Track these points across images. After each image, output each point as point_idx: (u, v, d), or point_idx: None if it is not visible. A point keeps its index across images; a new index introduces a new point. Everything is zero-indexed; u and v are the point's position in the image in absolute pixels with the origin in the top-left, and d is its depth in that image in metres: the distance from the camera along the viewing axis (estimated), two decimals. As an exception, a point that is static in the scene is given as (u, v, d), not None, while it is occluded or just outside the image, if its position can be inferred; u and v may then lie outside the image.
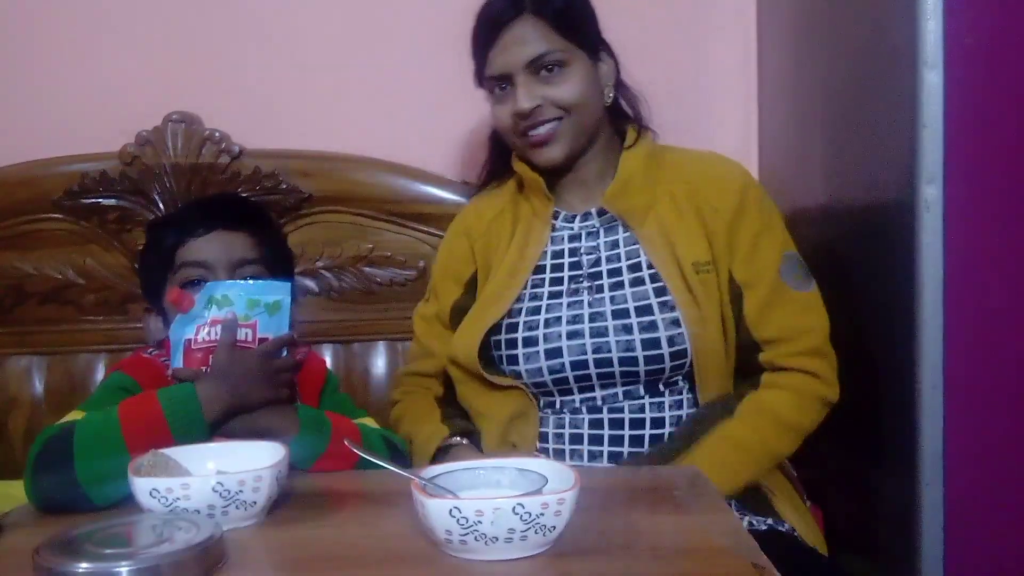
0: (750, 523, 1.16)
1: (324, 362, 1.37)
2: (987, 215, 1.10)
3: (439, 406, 1.34)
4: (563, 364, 1.22)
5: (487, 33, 1.27)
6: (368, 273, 1.66)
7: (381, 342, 1.68)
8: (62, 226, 1.65)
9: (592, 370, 1.21)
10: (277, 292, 1.15)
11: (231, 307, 1.12)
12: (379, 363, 1.67)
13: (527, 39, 1.24)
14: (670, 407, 1.22)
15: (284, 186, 1.64)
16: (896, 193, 1.15)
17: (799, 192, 1.55)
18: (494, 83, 1.29)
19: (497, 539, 0.75)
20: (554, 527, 0.77)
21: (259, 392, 1.09)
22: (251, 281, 1.16)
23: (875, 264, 1.24)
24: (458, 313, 1.35)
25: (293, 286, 1.19)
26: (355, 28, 1.72)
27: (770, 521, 1.16)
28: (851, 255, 1.34)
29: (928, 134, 1.09)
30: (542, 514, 0.75)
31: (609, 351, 1.20)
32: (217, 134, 1.63)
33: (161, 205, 1.63)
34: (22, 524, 0.94)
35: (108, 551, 0.75)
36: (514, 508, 0.75)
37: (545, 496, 0.77)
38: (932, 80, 1.08)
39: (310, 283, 1.66)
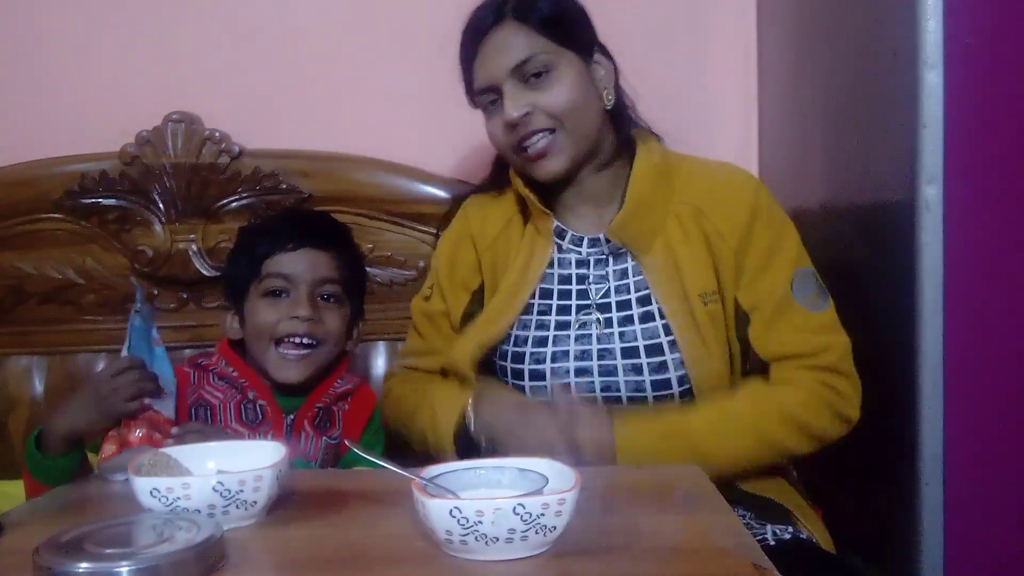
0: (773, 532, 1.15)
1: (375, 397, 1.40)
2: (987, 215, 1.10)
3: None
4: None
5: (471, 43, 1.23)
6: (368, 273, 1.66)
7: (381, 342, 1.67)
8: (62, 226, 1.65)
9: (600, 405, 1.19)
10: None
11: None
12: (379, 363, 1.67)
13: (509, 45, 1.19)
14: None
15: (284, 186, 1.64)
16: (896, 193, 1.15)
17: (799, 192, 1.55)
18: (483, 97, 1.23)
19: (498, 539, 0.75)
20: (555, 527, 0.77)
21: (89, 410, 1.10)
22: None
23: (875, 264, 1.24)
24: (468, 320, 1.31)
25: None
26: (355, 28, 1.72)
27: (791, 530, 1.17)
28: (851, 255, 1.34)
29: (928, 134, 1.09)
30: (543, 514, 0.75)
31: (619, 390, 1.18)
32: (217, 134, 1.63)
33: (161, 205, 1.63)
34: (22, 524, 0.94)
35: (108, 551, 0.75)
36: (515, 508, 0.75)
37: (546, 496, 0.77)
38: (932, 80, 1.08)
39: (310, 283, 1.66)
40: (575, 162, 1.22)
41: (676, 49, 1.75)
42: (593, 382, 1.19)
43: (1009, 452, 1.12)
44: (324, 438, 1.31)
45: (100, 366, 1.65)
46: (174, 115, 1.63)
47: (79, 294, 1.65)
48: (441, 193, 1.65)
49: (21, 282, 1.65)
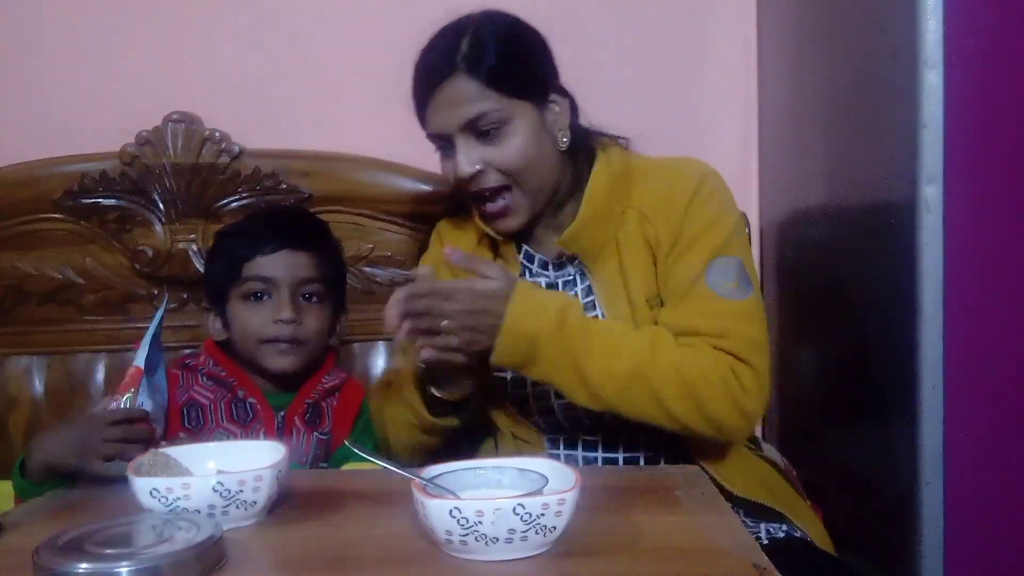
0: (767, 531, 1.15)
1: (362, 392, 1.39)
2: (987, 215, 1.10)
3: None
4: (557, 420, 1.22)
5: (422, 89, 1.21)
6: (368, 273, 1.66)
7: (381, 342, 1.67)
8: (62, 226, 1.64)
9: (584, 420, 1.20)
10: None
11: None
12: (379, 363, 1.67)
13: (461, 99, 1.16)
14: (665, 444, 1.20)
15: (284, 186, 1.64)
16: (896, 193, 1.15)
17: (799, 192, 1.55)
18: (436, 140, 1.23)
19: (498, 539, 0.75)
20: (554, 527, 0.77)
21: (69, 451, 1.07)
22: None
23: (875, 264, 1.24)
24: None
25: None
26: (355, 28, 1.72)
27: (785, 528, 1.17)
28: (851, 255, 1.34)
29: (928, 134, 1.09)
30: (543, 514, 0.76)
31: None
32: (217, 134, 1.63)
33: (161, 205, 1.63)
34: (22, 524, 0.94)
35: (108, 551, 0.75)
36: (514, 508, 0.75)
37: (545, 496, 0.77)
38: (932, 80, 1.08)
39: (310, 283, 1.66)
40: (532, 215, 1.22)
41: (676, 49, 1.74)
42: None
43: (1009, 452, 1.12)
44: (315, 434, 1.31)
45: (100, 366, 1.65)
46: (174, 115, 1.63)
47: (79, 294, 1.65)
48: (441, 193, 1.65)
49: (21, 282, 1.65)
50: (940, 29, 1.07)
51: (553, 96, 1.22)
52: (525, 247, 1.28)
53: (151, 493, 0.86)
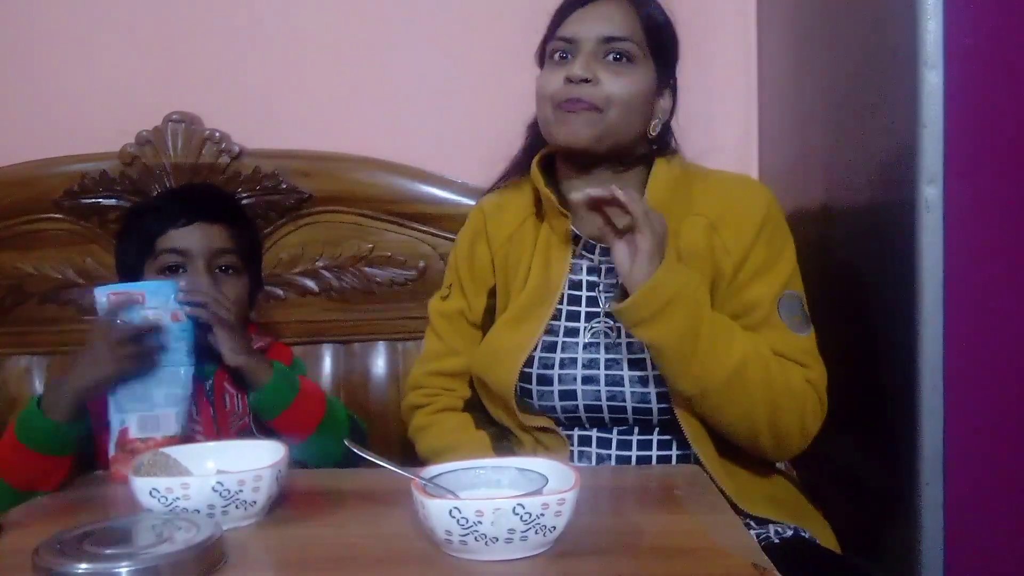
0: (776, 532, 1.16)
1: (290, 351, 1.41)
2: (987, 215, 1.10)
3: (470, 412, 1.30)
4: (577, 406, 1.19)
5: (573, 5, 1.22)
6: (368, 273, 1.66)
7: (381, 342, 1.68)
8: (62, 226, 1.65)
9: (606, 415, 1.19)
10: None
11: None
12: (379, 363, 1.67)
13: (613, 16, 1.19)
14: (678, 445, 1.19)
15: (284, 186, 1.64)
16: (896, 193, 1.15)
17: (799, 192, 1.55)
18: (557, 45, 1.21)
19: (497, 539, 0.76)
20: (554, 527, 0.77)
21: (98, 368, 1.12)
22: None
23: (875, 264, 1.24)
24: (488, 319, 1.31)
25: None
26: (355, 28, 1.72)
27: (792, 525, 1.17)
28: (851, 255, 1.34)
29: (928, 134, 1.09)
30: (542, 514, 0.76)
31: (624, 400, 1.17)
32: (217, 134, 1.63)
33: (161, 205, 1.63)
34: (22, 524, 0.94)
35: (108, 551, 0.76)
36: (514, 508, 0.75)
37: (545, 496, 0.77)
38: (932, 80, 1.08)
39: (310, 283, 1.66)
40: (599, 143, 1.19)
41: (676, 49, 1.74)
42: (599, 391, 1.18)
43: (1009, 452, 1.12)
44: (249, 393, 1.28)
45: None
46: (174, 115, 1.63)
47: (79, 294, 1.65)
48: (441, 193, 1.65)
49: (21, 282, 1.65)
50: (940, 29, 1.07)
51: (667, 90, 1.26)
52: (573, 228, 1.25)
53: (151, 493, 0.86)
